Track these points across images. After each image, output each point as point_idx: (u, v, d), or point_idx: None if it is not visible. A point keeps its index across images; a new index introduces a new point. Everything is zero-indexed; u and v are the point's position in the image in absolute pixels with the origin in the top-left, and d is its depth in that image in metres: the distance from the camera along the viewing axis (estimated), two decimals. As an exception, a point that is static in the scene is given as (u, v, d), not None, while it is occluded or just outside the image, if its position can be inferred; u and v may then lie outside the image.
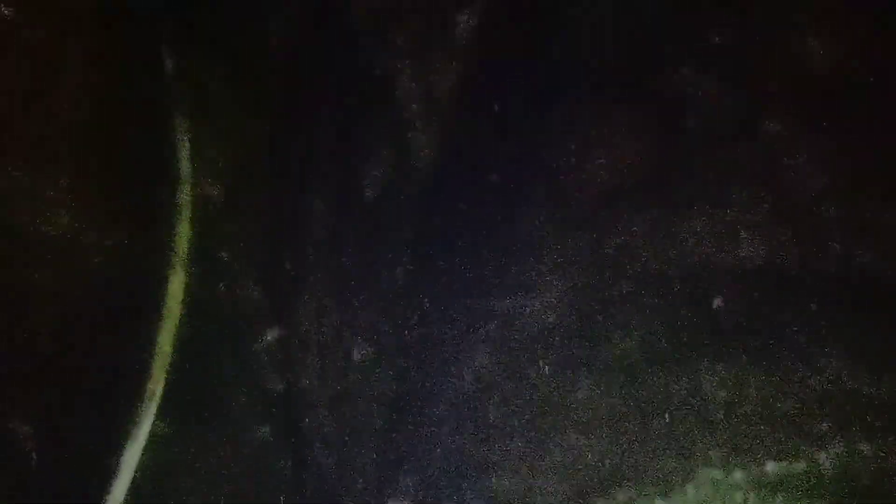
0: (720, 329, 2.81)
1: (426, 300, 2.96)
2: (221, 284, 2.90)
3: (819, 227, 2.94)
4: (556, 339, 2.95)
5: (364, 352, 2.89)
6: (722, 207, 2.98)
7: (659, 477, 2.52)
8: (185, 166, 2.61)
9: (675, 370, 2.73)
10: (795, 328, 2.74)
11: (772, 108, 2.96)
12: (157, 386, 2.32)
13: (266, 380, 2.87)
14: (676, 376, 2.71)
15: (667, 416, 2.64)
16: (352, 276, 2.92)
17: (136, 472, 2.45)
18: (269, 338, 2.91)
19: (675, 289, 2.92)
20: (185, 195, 2.59)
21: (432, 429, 2.85)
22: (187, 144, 2.67)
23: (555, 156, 3.01)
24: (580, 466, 2.67)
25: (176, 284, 2.35)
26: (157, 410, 2.52)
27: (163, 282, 2.28)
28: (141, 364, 2.27)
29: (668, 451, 2.56)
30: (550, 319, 3.00)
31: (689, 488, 2.44)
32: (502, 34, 3.05)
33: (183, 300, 2.40)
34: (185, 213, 2.62)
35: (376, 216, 2.99)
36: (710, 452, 2.49)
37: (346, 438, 2.78)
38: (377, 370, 2.89)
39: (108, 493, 2.30)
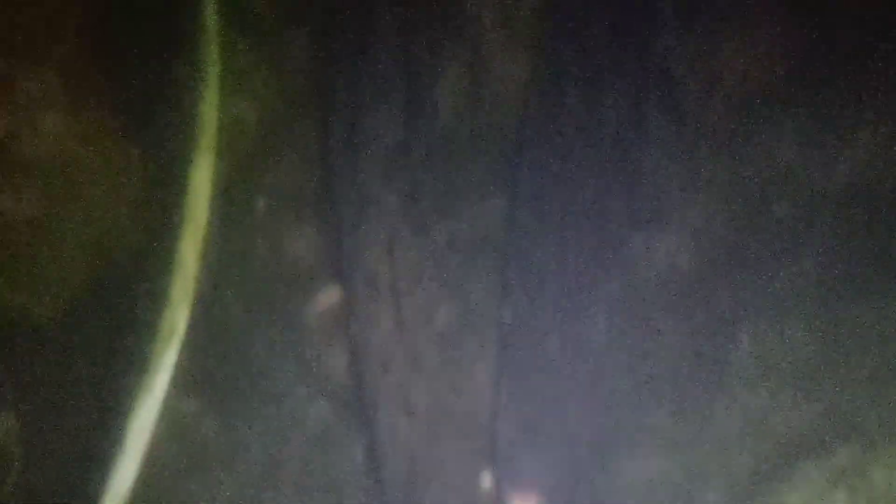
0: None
1: (527, 241, 2.27)
2: (259, 238, 2.23)
3: None
4: (695, 283, 2.24)
5: (454, 308, 2.19)
6: (893, 109, 2.34)
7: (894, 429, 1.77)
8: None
9: (876, 301, 2.01)
10: None
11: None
12: (179, 318, 1.61)
13: (323, 345, 2.16)
14: (880, 308, 1.99)
15: (881, 342, 1.91)
16: (431, 213, 2.25)
17: (149, 454, 1.71)
18: (324, 297, 2.22)
19: (849, 208, 2.23)
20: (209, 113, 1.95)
21: (550, 403, 2.11)
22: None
23: (670, 56, 2.38)
24: (763, 432, 1.92)
25: (202, 174, 1.67)
26: (182, 378, 1.80)
27: (185, 170, 1.61)
28: (157, 281, 1.57)
29: None
30: (682, 261, 2.30)
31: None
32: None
33: (210, 200, 1.72)
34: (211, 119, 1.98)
35: (456, 141, 2.34)
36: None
37: (434, 415, 2.04)
38: (473, 330, 2.18)
39: (108, 475, 1.56)
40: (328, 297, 2.17)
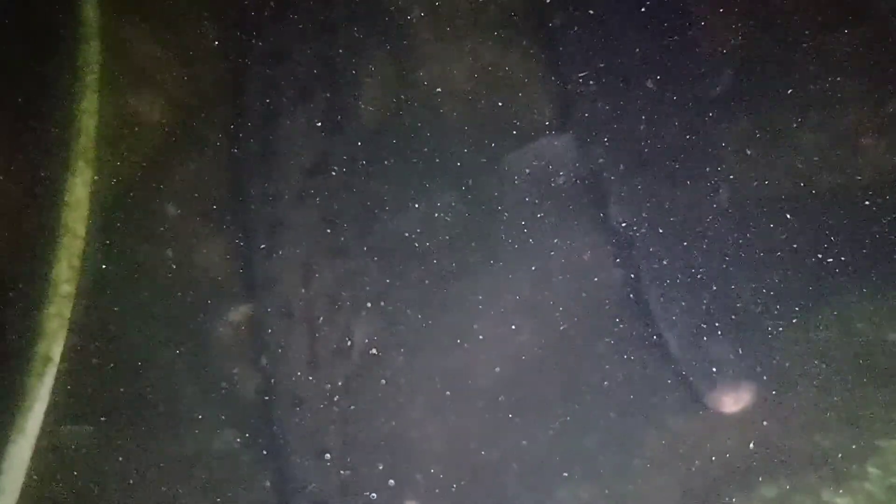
0: (856, 257, 2.01)
1: (450, 246, 2.14)
2: (169, 249, 2.10)
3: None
4: (627, 299, 2.13)
5: (373, 329, 2.05)
6: (836, 113, 2.24)
7: (821, 459, 1.67)
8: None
9: (809, 312, 1.91)
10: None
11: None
12: (53, 345, 1.47)
13: (231, 372, 2.03)
14: (813, 319, 1.88)
15: (811, 375, 1.81)
16: (349, 225, 2.10)
17: (29, 491, 1.58)
18: (234, 317, 2.08)
19: (786, 219, 2.13)
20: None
21: (475, 435, 2.00)
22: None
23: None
24: (687, 461, 1.81)
25: (79, 188, 1.53)
26: (63, 409, 1.66)
27: (59, 186, 1.47)
28: (30, 306, 1.43)
29: (829, 422, 1.72)
30: (615, 277, 2.18)
31: (871, 469, 1.59)
32: None
33: (90, 216, 1.58)
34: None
35: (379, 144, 2.20)
36: None
37: (350, 449, 1.90)
38: (390, 354, 2.05)
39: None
40: (238, 322, 2.03)
